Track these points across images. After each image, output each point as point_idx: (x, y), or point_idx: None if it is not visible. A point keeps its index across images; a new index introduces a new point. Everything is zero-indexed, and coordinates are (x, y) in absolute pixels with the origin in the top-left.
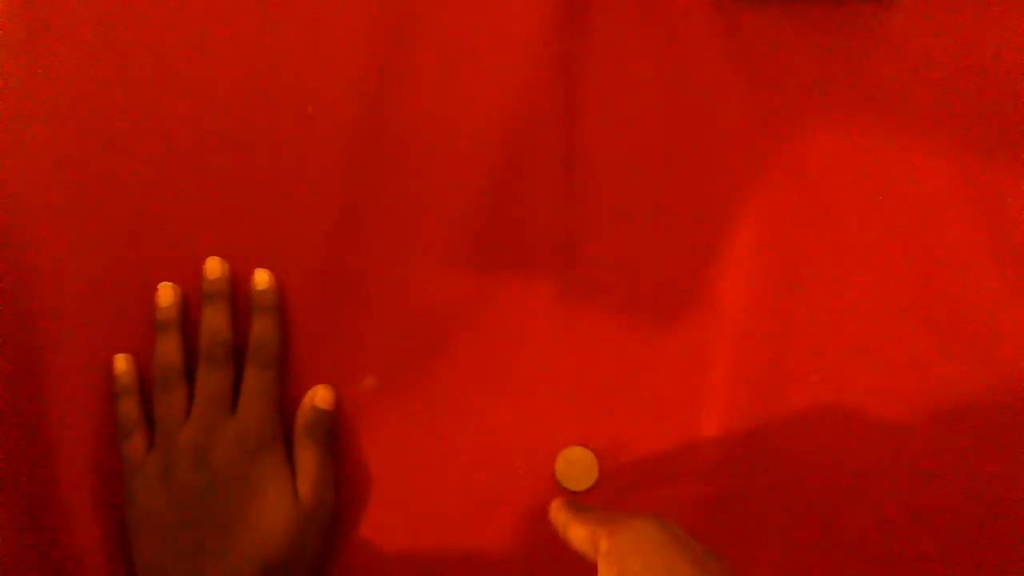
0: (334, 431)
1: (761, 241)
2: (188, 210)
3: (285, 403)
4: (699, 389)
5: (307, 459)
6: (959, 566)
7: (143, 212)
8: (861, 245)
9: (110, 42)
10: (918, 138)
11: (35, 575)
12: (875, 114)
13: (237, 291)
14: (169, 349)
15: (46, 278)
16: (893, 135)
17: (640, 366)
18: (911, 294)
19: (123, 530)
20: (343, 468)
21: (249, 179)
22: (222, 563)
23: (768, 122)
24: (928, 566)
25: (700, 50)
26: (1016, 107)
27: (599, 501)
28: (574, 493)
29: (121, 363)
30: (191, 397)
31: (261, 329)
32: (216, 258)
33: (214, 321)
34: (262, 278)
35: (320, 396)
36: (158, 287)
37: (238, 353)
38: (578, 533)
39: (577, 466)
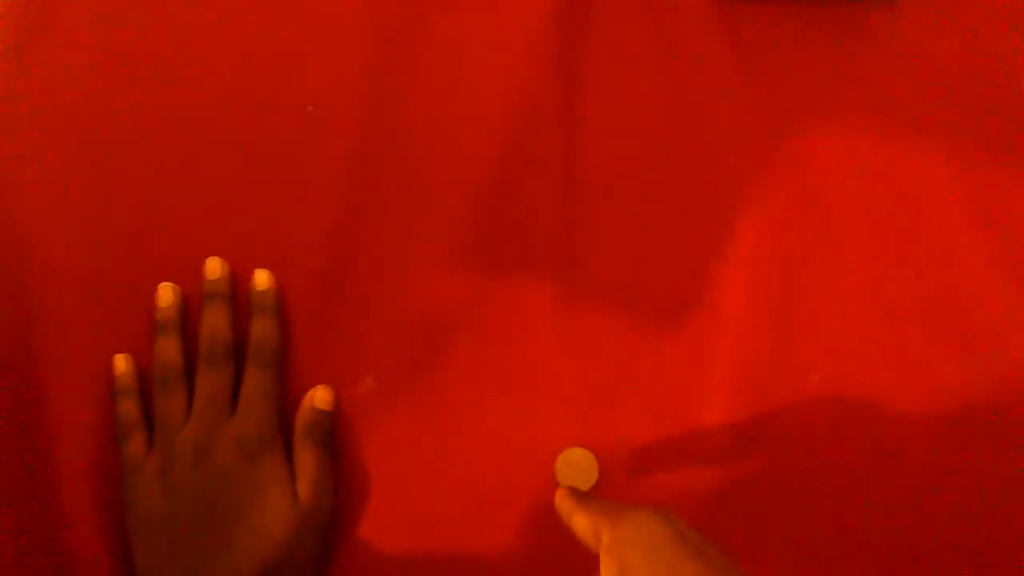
0: (334, 432)
1: (761, 241)
2: (188, 210)
3: (285, 404)
4: (699, 389)
5: (306, 460)
6: (959, 566)
7: (143, 212)
8: (861, 245)
9: (110, 42)
10: (918, 138)
11: (35, 575)
12: (875, 114)
13: (237, 291)
14: (169, 349)
15: (46, 278)
16: (893, 135)
17: (640, 366)
18: (911, 294)
19: (123, 530)
20: (342, 469)
21: (249, 179)
22: (221, 563)
23: (768, 122)
24: (928, 565)
25: (700, 50)
26: (1016, 107)
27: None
28: None
29: (121, 363)
30: (191, 398)
31: (261, 329)
32: (216, 258)
33: (214, 322)
34: (262, 278)
35: (320, 397)
36: (158, 287)
37: (238, 354)
38: (581, 523)
39: (577, 467)
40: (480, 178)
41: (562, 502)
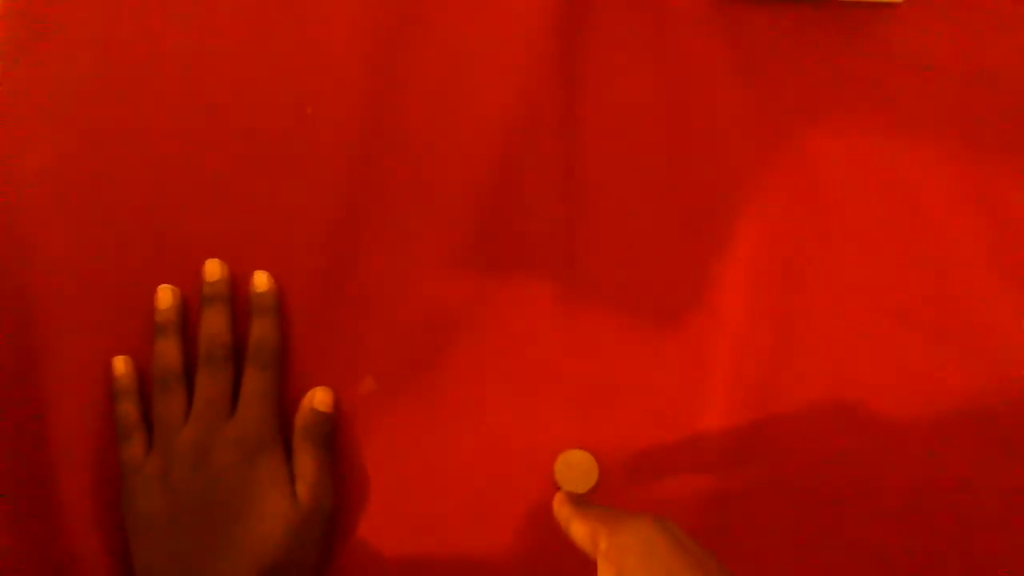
0: (333, 433)
1: (761, 241)
2: (188, 211)
3: (284, 405)
4: (699, 389)
5: (306, 461)
6: (959, 567)
7: (143, 214)
8: (861, 245)
9: (110, 43)
10: (918, 138)
11: (35, 575)
12: (875, 114)
13: (237, 293)
14: (168, 351)
15: (46, 279)
16: (893, 135)
17: (640, 366)
18: (911, 294)
19: (123, 530)
20: (342, 469)
21: (249, 180)
22: (221, 564)
23: (768, 122)
24: (928, 566)
25: (700, 50)
26: (1016, 107)
27: (599, 503)
28: None
29: (120, 365)
30: (190, 399)
31: (260, 331)
32: (216, 260)
33: (214, 323)
34: (261, 280)
35: (319, 398)
36: (157, 289)
37: (237, 355)
38: (579, 529)
39: (577, 469)
40: (480, 178)
41: (560, 508)
